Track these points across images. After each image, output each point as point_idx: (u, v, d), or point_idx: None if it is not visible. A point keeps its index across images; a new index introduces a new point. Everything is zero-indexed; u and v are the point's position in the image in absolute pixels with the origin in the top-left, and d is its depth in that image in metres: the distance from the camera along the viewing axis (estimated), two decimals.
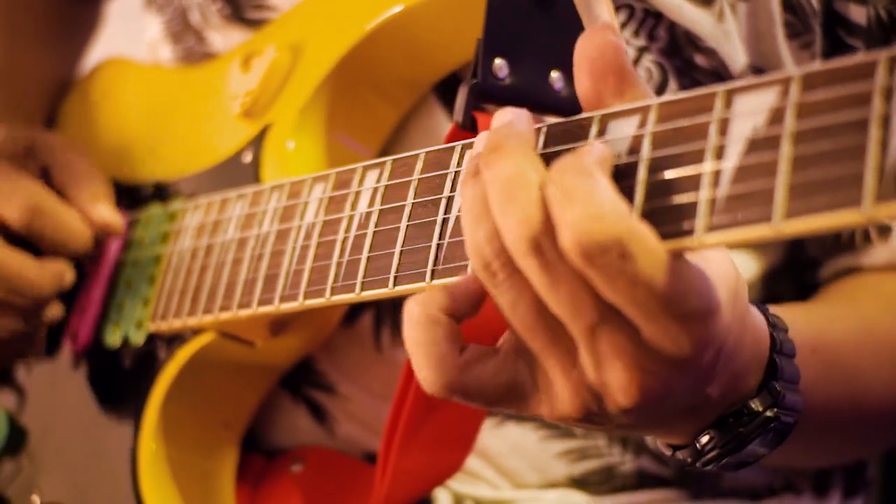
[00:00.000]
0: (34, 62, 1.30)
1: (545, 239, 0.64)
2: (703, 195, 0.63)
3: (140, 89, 1.23)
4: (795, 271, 1.09)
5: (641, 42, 1.00)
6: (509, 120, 0.71)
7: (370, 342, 1.05)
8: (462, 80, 1.00)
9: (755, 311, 0.77)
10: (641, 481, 1.06)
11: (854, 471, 1.14)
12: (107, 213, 1.10)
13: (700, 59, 1.00)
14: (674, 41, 1.00)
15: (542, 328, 0.68)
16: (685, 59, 1.00)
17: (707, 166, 0.63)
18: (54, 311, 1.09)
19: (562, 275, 0.65)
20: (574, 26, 0.91)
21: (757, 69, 1.01)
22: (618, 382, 0.67)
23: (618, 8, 0.99)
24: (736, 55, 0.99)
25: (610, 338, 0.66)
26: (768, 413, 0.75)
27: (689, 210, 0.63)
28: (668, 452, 0.80)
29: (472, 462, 1.04)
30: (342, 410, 1.07)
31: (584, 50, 0.69)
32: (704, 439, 0.76)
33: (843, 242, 1.04)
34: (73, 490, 1.09)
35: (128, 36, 1.36)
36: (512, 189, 0.66)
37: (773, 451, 0.78)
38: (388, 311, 1.04)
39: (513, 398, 0.72)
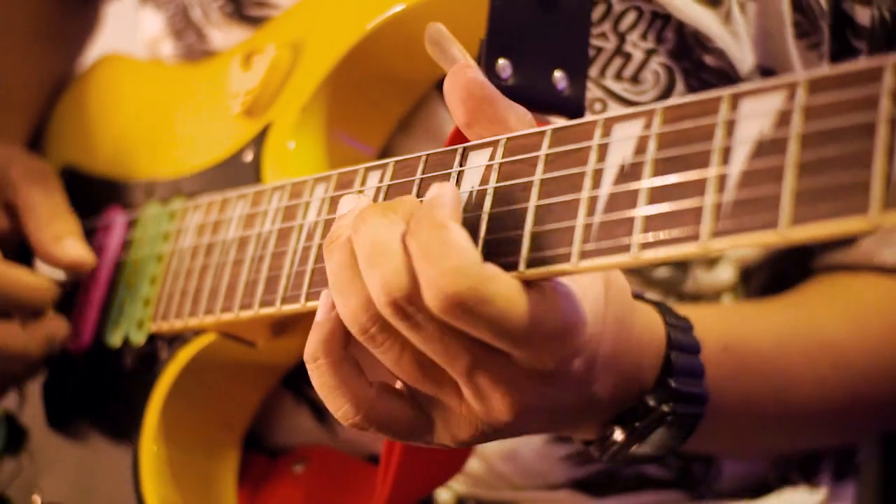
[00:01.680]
0: (25, 62, 1.29)
1: (411, 299, 0.68)
2: (709, 200, 0.62)
3: (139, 86, 1.23)
4: (801, 250, 1.09)
5: (650, 45, 1.00)
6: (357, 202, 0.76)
7: None
8: None
9: (650, 312, 0.82)
10: (642, 483, 1.06)
11: (843, 456, 1.14)
12: (72, 250, 1.09)
13: (709, 60, 1.00)
14: (682, 42, 0.99)
15: (427, 378, 0.73)
16: (694, 60, 1.00)
17: (712, 171, 0.62)
18: (57, 328, 1.08)
19: (432, 330, 0.69)
20: (577, 26, 0.91)
21: (765, 69, 1.01)
22: (498, 406, 0.72)
23: (626, 10, 0.99)
24: (744, 56, 0.99)
25: (485, 373, 0.71)
26: (664, 408, 0.80)
27: (694, 215, 0.63)
28: (583, 448, 0.85)
29: (472, 464, 1.03)
30: None
31: (454, 91, 0.75)
32: (610, 433, 0.81)
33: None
34: (75, 490, 1.09)
35: (123, 34, 1.35)
36: (374, 254, 0.69)
37: (696, 441, 0.83)
38: None
39: (419, 432, 0.76)
